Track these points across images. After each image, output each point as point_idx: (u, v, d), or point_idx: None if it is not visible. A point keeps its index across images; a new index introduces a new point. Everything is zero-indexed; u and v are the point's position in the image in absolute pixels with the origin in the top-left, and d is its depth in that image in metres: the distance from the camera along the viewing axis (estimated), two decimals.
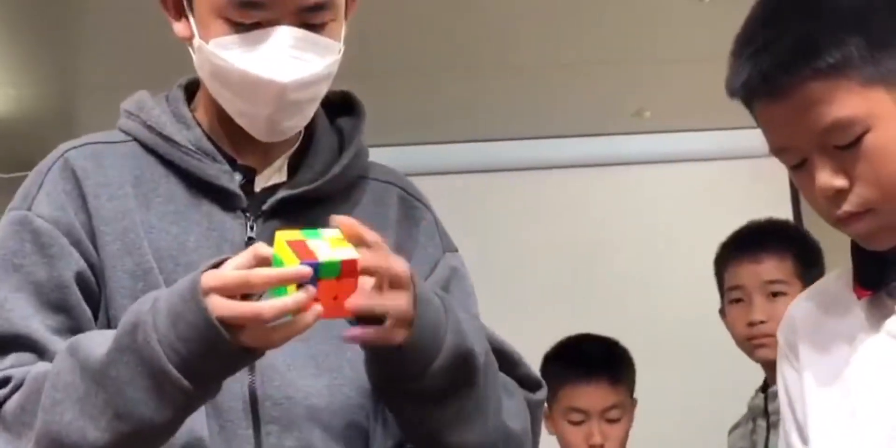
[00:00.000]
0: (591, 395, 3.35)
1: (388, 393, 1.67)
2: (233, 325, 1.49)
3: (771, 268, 3.12)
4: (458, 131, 5.08)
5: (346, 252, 1.52)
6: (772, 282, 3.11)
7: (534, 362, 1.88)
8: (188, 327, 1.50)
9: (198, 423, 1.65)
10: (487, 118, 5.10)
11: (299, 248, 1.50)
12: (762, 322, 3.05)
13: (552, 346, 3.49)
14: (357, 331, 1.56)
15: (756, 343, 3.09)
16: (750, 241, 3.21)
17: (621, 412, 3.36)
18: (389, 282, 1.55)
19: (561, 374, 3.35)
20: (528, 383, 1.83)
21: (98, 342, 1.58)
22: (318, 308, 1.49)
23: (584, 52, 4.73)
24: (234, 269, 1.51)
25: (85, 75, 4.62)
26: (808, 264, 3.12)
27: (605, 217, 5.30)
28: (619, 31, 4.59)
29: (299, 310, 1.48)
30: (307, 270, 1.48)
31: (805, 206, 4.90)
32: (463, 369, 1.65)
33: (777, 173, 4.92)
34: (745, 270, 3.15)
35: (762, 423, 3.09)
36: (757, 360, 3.14)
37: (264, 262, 1.50)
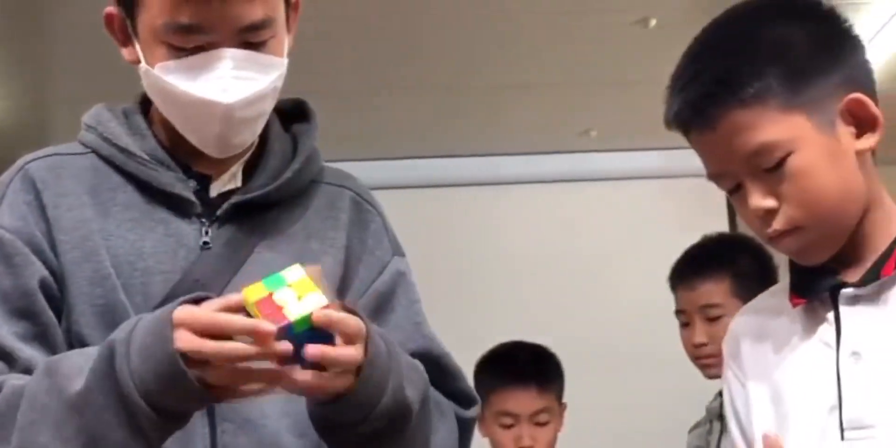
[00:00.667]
0: (521, 400, 3.36)
1: (327, 432, 1.66)
2: (198, 363, 1.48)
3: (705, 293, 3.14)
4: (409, 148, 5.10)
5: (314, 299, 1.51)
6: (708, 306, 3.13)
7: (471, 370, 1.86)
8: (155, 361, 1.51)
9: None
10: (440, 135, 5.14)
11: (268, 308, 1.50)
12: (704, 344, 3.09)
13: (484, 353, 3.49)
14: (304, 376, 1.54)
15: (702, 363, 3.14)
16: (686, 269, 3.25)
17: (549, 416, 3.38)
18: (345, 337, 1.54)
19: (492, 379, 3.37)
20: (463, 399, 1.83)
21: (77, 366, 1.57)
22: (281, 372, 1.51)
23: (533, 74, 4.74)
24: (209, 310, 1.51)
25: (55, 90, 4.63)
26: (749, 280, 3.09)
27: (551, 231, 5.32)
28: (568, 54, 4.60)
29: (265, 357, 1.48)
30: (273, 330, 1.47)
31: (741, 222, 4.96)
32: (399, 415, 1.64)
33: (715, 191, 4.99)
34: (685, 296, 3.20)
35: (717, 425, 3.12)
36: (708, 378, 3.15)
37: (240, 309, 1.50)
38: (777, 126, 1.57)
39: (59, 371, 1.57)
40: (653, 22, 4.38)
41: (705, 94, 1.59)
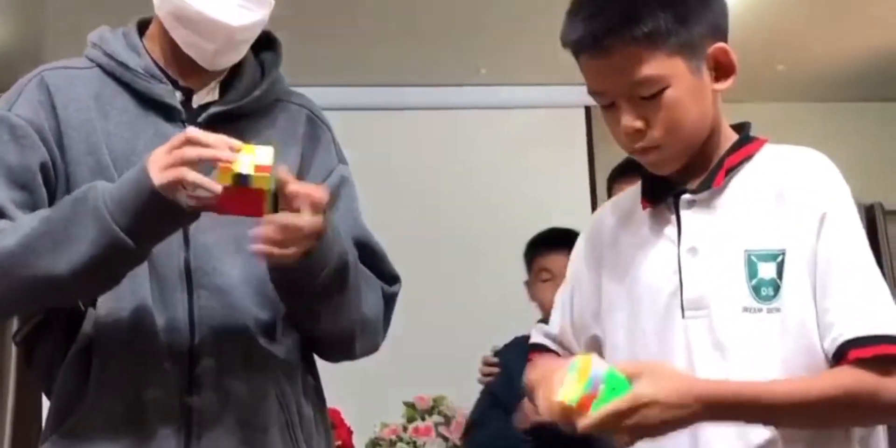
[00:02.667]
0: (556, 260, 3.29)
1: (283, 289, 1.69)
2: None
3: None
4: (334, 78, 5.01)
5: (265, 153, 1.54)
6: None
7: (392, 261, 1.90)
8: (126, 182, 1.54)
9: (143, 289, 1.65)
10: (359, 68, 5.05)
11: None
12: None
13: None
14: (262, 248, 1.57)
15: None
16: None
17: None
18: (312, 205, 1.56)
19: (536, 248, 3.36)
20: (388, 278, 1.85)
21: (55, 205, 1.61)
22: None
23: (436, 22, 4.67)
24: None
25: (51, 21, 4.47)
26: None
27: (446, 149, 5.24)
28: (461, 4, 4.54)
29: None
30: (230, 151, 1.51)
31: (596, 143, 5.03)
32: (342, 274, 1.67)
33: (579, 120, 5.03)
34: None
35: None
36: None
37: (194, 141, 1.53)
38: (661, 63, 1.55)
39: (40, 210, 1.61)
40: None
41: (607, 27, 1.55)
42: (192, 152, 1.52)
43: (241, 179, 1.50)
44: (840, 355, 1.50)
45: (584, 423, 1.39)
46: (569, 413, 1.40)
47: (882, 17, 4.76)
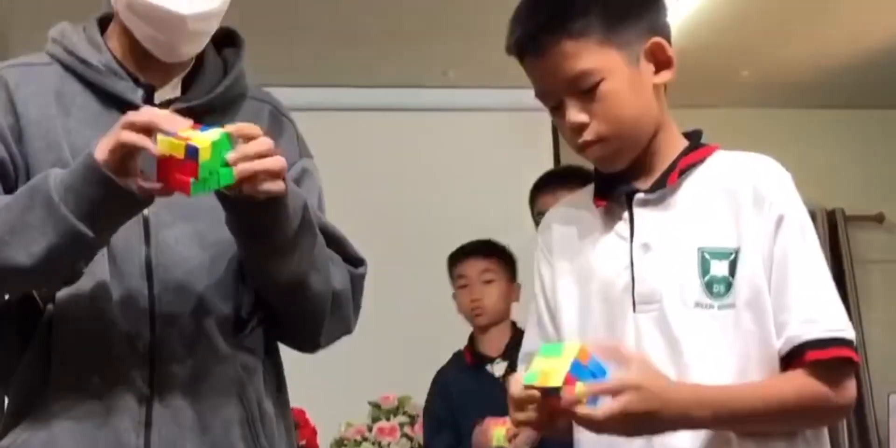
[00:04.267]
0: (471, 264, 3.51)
1: (246, 244, 1.67)
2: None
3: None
4: (304, 77, 5.00)
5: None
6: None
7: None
8: (76, 167, 1.53)
9: (103, 284, 1.65)
10: (327, 69, 5.04)
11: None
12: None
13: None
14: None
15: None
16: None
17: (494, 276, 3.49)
18: (264, 145, 1.55)
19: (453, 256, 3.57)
20: (352, 260, 1.84)
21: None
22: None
23: (403, 22, 4.67)
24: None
25: (15, 15, 4.44)
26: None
27: (412, 151, 5.24)
28: (429, 8, 4.53)
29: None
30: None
31: (562, 146, 5.04)
32: (304, 226, 1.66)
33: (545, 123, 5.04)
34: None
35: None
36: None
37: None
38: (594, 57, 1.59)
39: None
40: None
41: (540, 26, 1.60)
42: (130, 135, 1.50)
43: (188, 150, 1.47)
44: (795, 355, 1.54)
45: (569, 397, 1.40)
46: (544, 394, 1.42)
47: (845, 25, 4.80)
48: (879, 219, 5.70)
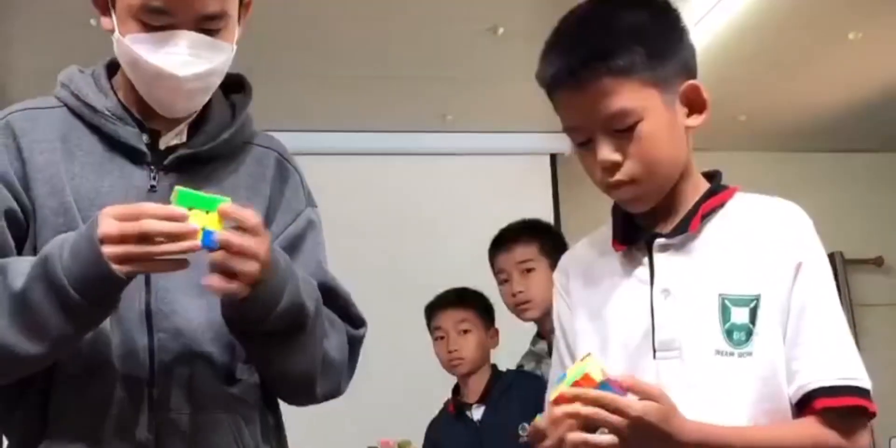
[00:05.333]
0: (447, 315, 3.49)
1: (236, 329, 1.67)
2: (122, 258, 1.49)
3: (519, 252, 3.26)
4: (304, 122, 5.04)
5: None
6: (522, 261, 3.24)
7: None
8: (82, 253, 1.50)
9: (103, 331, 1.63)
10: (328, 114, 5.07)
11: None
12: (520, 292, 3.21)
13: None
14: (213, 280, 1.54)
15: (519, 308, 3.23)
16: (502, 238, 3.36)
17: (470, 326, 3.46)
18: (249, 230, 1.54)
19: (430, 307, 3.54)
20: (354, 320, 1.84)
21: (22, 269, 1.55)
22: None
23: (403, 69, 4.71)
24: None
25: (18, 63, 4.46)
26: (551, 246, 3.26)
27: (411, 195, 5.26)
28: (428, 55, 4.59)
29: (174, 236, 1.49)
30: (185, 212, 1.49)
31: (561, 190, 5.05)
32: (296, 319, 1.65)
33: (544, 167, 5.05)
34: (503, 258, 3.30)
35: (548, 360, 3.18)
36: (525, 321, 3.28)
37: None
38: (635, 96, 1.55)
39: (9, 271, 1.56)
40: (501, 30, 4.37)
41: (582, 61, 1.55)
42: (148, 211, 1.50)
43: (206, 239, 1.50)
44: (806, 402, 1.52)
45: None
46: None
47: (840, 70, 4.84)
48: (878, 262, 5.70)
